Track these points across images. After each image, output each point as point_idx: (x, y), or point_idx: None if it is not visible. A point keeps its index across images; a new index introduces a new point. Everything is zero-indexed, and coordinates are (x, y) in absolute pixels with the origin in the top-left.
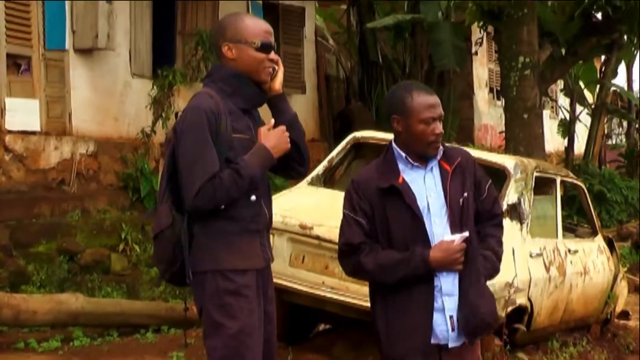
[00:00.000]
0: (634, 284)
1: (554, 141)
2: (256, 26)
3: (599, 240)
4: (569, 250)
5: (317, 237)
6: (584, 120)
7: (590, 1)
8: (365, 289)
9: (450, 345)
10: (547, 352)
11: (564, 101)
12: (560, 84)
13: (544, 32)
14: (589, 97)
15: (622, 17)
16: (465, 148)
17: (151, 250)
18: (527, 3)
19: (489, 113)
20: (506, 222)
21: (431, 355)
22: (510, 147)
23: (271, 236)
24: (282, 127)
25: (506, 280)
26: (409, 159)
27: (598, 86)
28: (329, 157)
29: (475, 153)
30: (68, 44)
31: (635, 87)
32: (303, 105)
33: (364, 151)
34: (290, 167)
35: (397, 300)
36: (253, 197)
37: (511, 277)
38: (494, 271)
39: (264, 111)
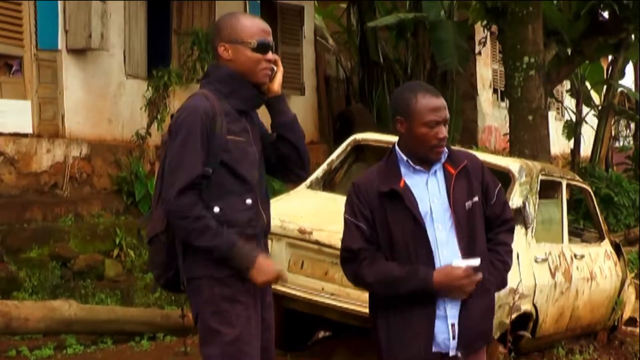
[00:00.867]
0: None
1: (559, 143)
2: (253, 25)
3: (606, 245)
4: (575, 255)
5: (317, 242)
6: (591, 121)
7: None
8: (366, 296)
9: (451, 354)
10: (552, 359)
11: (570, 102)
12: (566, 84)
13: (550, 31)
14: (596, 98)
15: (629, 16)
16: (470, 151)
17: (146, 256)
18: (532, 1)
19: (493, 114)
20: None
21: None
22: (514, 149)
23: (269, 241)
24: (280, 268)
25: (510, 286)
26: (410, 162)
27: (605, 87)
28: (329, 159)
29: (479, 156)
30: (61, 43)
31: None
32: (302, 107)
33: (364, 154)
34: (290, 171)
35: (398, 307)
36: (248, 201)
37: (516, 283)
38: (502, 284)
39: (264, 112)
